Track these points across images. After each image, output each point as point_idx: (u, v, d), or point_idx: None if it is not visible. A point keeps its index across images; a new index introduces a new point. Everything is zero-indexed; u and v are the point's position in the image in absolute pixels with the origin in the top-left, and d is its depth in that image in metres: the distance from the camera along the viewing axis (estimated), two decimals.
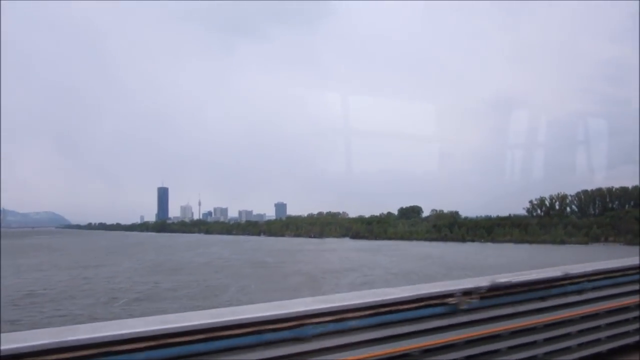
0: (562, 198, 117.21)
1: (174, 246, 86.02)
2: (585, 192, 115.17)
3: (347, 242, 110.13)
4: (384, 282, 38.16)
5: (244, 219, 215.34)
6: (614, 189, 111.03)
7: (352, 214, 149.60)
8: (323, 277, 41.87)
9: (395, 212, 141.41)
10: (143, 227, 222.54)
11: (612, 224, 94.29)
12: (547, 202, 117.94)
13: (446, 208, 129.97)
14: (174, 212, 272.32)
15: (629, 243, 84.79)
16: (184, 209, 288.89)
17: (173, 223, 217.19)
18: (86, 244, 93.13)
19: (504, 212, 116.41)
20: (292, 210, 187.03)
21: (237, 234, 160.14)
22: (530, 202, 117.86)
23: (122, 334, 3.36)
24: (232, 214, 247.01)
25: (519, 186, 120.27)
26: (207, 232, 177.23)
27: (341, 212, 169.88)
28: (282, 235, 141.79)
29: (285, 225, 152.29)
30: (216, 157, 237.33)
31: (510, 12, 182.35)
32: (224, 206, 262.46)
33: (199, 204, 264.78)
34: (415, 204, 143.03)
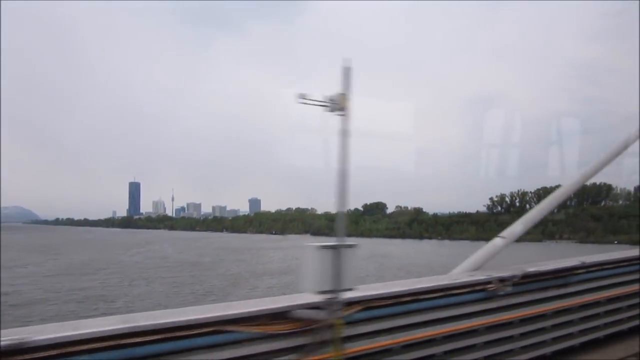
0: (522, 195, 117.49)
1: (118, 243, 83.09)
2: (544, 189, 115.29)
3: (305, 239, 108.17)
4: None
5: (217, 215, 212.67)
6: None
7: (324, 210, 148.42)
8: (247, 280, 40.08)
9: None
10: (109, 222, 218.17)
11: (567, 222, 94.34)
12: (507, 199, 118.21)
13: (422, 205, 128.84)
14: (146, 207, 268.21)
15: (582, 241, 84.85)
16: (156, 204, 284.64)
17: (139, 219, 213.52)
18: (21, 241, 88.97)
19: (478, 209, 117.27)
20: (267, 206, 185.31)
21: (200, 230, 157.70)
22: (491, 199, 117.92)
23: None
24: (206, 209, 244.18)
25: (495, 183, 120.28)
26: (172, 228, 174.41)
27: (310, 208, 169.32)
28: (245, 232, 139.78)
29: (249, 222, 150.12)
30: (191, 152, 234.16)
31: (488, 12, 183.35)
32: (197, 201, 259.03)
33: (172, 199, 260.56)
34: (380, 201, 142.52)
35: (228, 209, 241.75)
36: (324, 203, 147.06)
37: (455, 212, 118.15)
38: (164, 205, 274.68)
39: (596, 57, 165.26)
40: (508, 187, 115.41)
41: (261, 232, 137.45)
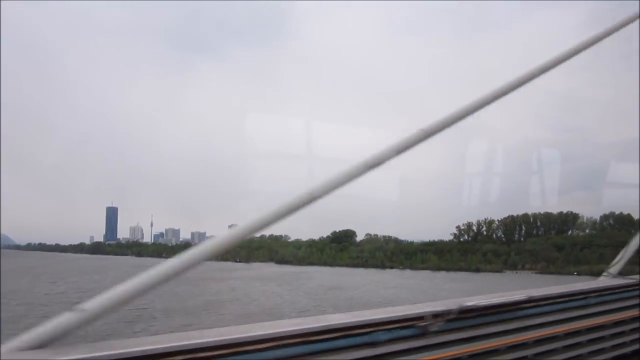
0: (489, 223, 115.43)
1: (60, 272, 78.94)
2: (511, 217, 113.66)
3: (266, 268, 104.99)
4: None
5: (196, 241, 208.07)
6: (539, 215, 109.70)
7: (297, 237, 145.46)
8: (152, 318, 36.81)
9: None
10: (77, 248, 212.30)
11: (530, 251, 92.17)
12: (474, 227, 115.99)
13: (394, 233, 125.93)
14: (123, 232, 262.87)
15: (542, 271, 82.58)
16: (134, 229, 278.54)
17: (108, 245, 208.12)
18: None
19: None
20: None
21: (167, 256, 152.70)
22: (458, 227, 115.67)
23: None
24: (186, 235, 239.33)
25: (476, 210, 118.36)
26: (140, 254, 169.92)
27: (283, 235, 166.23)
28: (209, 260, 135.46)
29: None
30: (170, 177, 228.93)
31: (465, 42, 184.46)
32: (177, 227, 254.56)
33: (151, 224, 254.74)
34: (349, 228, 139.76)
35: (208, 234, 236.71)
36: (298, 230, 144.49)
37: (427, 239, 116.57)
38: (141, 230, 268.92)
39: (572, 87, 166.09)
40: (484, 214, 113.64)
41: (226, 259, 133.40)
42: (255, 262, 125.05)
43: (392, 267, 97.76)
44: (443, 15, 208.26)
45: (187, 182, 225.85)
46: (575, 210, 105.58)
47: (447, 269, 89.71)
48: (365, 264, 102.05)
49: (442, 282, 67.45)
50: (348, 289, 60.42)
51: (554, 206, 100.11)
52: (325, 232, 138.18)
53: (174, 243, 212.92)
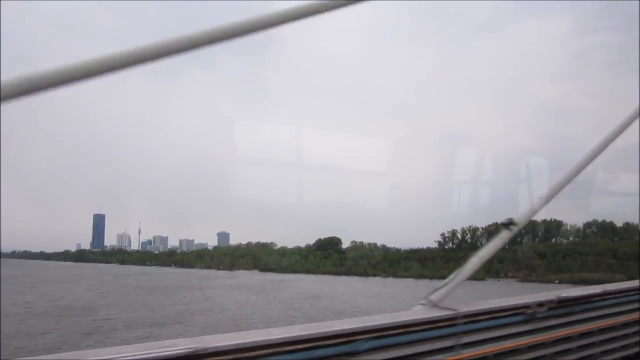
0: (473, 231, 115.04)
1: (36, 280, 77.05)
2: (495, 224, 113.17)
3: (248, 276, 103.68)
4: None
5: (184, 248, 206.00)
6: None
7: (284, 244, 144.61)
8: (113, 330, 35.52)
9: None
10: (61, 256, 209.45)
11: (513, 259, 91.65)
12: (458, 235, 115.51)
13: (381, 240, 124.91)
14: (111, 240, 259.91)
15: (524, 279, 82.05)
16: (121, 237, 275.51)
17: (92, 252, 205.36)
18: None
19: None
20: (236, 240, 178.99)
21: (150, 264, 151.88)
22: (442, 234, 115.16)
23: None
24: (174, 242, 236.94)
25: (466, 217, 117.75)
26: (123, 262, 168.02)
27: (269, 242, 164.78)
28: (193, 267, 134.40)
29: (200, 257, 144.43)
30: (159, 184, 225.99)
31: (458, 49, 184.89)
32: (165, 235, 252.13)
33: (139, 232, 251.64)
34: (334, 235, 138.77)
35: (196, 242, 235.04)
36: (286, 237, 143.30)
37: (415, 247, 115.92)
38: (129, 238, 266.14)
39: (560, 95, 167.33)
40: (473, 221, 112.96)
41: (210, 267, 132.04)
42: (239, 270, 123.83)
43: (375, 275, 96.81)
44: (432, 23, 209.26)
45: (176, 189, 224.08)
46: (563, 218, 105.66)
47: (430, 277, 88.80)
48: (348, 272, 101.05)
49: (423, 291, 66.31)
50: (325, 298, 59.42)
51: (543, 214, 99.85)
52: (314, 240, 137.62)
53: (161, 250, 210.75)
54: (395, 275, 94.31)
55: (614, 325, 6.42)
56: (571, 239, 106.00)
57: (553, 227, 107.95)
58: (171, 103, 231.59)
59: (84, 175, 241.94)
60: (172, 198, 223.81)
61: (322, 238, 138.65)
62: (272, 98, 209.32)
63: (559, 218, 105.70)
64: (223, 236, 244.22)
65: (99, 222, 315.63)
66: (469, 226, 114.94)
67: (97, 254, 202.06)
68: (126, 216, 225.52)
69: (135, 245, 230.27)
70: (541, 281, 77.86)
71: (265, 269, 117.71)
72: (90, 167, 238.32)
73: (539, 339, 5.52)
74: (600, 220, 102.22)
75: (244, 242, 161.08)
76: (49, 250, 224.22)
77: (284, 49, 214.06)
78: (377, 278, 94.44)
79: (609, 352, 6.39)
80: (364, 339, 4.17)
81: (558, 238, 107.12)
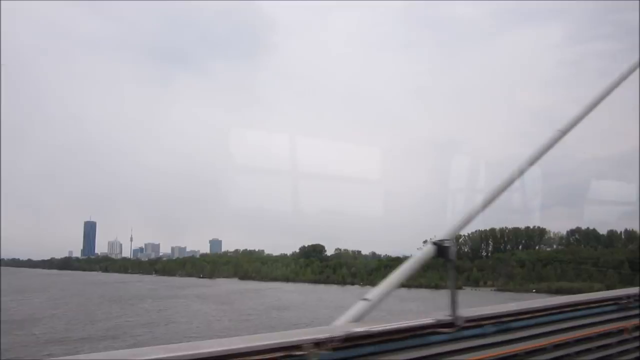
0: (456, 238, 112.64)
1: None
2: (479, 231, 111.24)
3: (224, 285, 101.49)
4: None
5: (176, 256, 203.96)
6: (506, 230, 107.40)
7: (281, 252, 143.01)
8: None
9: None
10: (47, 264, 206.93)
11: (493, 267, 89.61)
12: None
13: (381, 249, 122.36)
14: (102, 247, 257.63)
15: (501, 288, 79.94)
16: (112, 244, 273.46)
17: (77, 260, 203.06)
18: None
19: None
20: (228, 247, 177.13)
21: (133, 272, 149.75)
22: (425, 242, 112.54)
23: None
24: (166, 249, 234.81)
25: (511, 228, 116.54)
26: (106, 270, 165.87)
27: (257, 249, 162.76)
28: (174, 275, 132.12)
29: (182, 264, 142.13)
30: (151, 191, 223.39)
31: (449, 57, 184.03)
32: (156, 242, 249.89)
33: (131, 239, 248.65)
34: (325, 243, 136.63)
35: (188, 249, 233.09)
36: (279, 245, 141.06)
37: (408, 255, 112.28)
38: (120, 245, 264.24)
39: (552, 103, 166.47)
40: (466, 229, 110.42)
41: (191, 275, 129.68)
42: (219, 278, 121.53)
43: (353, 284, 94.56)
44: (424, 31, 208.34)
45: (168, 196, 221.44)
46: (549, 226, 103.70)
47: (408, 286, 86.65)
48: (326, 281, 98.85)
49: (393, 301, 64.23)
50: (290, 309, 57.47)
51: (535, 221, 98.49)
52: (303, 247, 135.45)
53: (153, 257, 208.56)
54: (373, 284, 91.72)
55: (590, 336, 5.98)
56: (555, 246, 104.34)
57: (536, 234, 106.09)
58: (163, 109, 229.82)
59: (76, 182, 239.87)
60: (164, 205, 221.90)
61: (306, 245, 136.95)
62: (264, 104, 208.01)
63: (548, 226, 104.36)
64: (215, 243, 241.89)
65: (89, 230, 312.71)
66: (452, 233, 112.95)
67: (83, 261, 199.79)
68: (118, 223, 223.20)
69: (126, 253, 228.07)
70: (518, 290, 75.78)
71: (244, 277, 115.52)
72: (82, 174, 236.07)
73: (513, 350, 5.21)
74: (584, 227, 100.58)
75: (237, 249, 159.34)
76: (37, 258, 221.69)
77: (276, 56, 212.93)
78: (355, 287, 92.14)
79: None
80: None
81: (541, 245, 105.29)
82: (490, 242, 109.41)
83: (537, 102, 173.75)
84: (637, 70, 7.25)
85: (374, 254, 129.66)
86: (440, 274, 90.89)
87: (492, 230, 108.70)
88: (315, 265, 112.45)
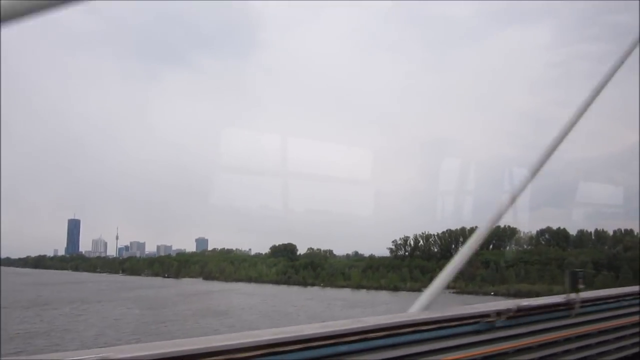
0: (427, 238, 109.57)
1: None
2: (449, 231, 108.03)
3: (185, 285, 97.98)
4: None
5: (162, 254, 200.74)
6: (476, 229, 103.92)
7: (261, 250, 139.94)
8: None
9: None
10: (20, 262, 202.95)
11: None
12: (411, 242, 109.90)
13: (372, 249, 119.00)
14: (87, 246, 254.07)
15: (459, 291, 76.45)
16: (96, 242, 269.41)
17: (50, 259, 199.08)
18: None
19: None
20: (215, 246, 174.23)
21: (101, 272, 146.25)
22: (394, 241, 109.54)
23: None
24: (152, 248, 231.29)
25: (448, 225, 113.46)
26: (76, 269, 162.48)
27: (235, 249, 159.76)
28: (139, 275, 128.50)
29: (150, 264, 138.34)
30: (137, 189, 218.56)
31: (439, 58, 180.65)
32: (142, 240, 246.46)
33: (117, 237, 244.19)
34: (290, 242, 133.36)
35: (174, 248, 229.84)
36: (263, 244, 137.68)
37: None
38: (104, 244, 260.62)
39: (540, 104, 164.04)
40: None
41: (157, 274, 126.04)
42: (186, 277, 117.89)
43: (313, 285, 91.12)
44: (413, 30, 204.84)
45: (154, 194, 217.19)
46: (537, 227, 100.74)
47: (369, 287, 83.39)
48: (288, 281, 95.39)
49: (337, 308, 60.87)
50: (224, 315, 53.79)
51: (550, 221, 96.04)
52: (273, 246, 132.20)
53: (138, 256, 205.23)
54: (333, 285, 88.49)
55: (562, 338, 6.27)
56: (526, 246, 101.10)
57: (507, 234, 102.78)
58: (149, 106, 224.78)
59: (60, 179, 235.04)
60: (151, 203, 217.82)
61: (277, 244, 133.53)
62: (253, 101, 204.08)
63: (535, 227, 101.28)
64: (201, 242, 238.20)
65: (73, 228, 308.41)
66: (422, 232, 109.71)
67: (57, 260, 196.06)
68: (103, 222, 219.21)
69: (112, 251, 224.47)
70: (477, 293, 72.40)
71: (208, 277, 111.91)
72: (66, 171, 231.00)
73: (495, 349, 5.48)
74: (555, 227, 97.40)
75: (214, 248, 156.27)
76: (18, 256, 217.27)
77: (265, 54, 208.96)
78: (315, 288, 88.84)
79: None
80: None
81: (512, 245, 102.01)
82: (460, 241, 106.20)
83: (525, 102, 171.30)
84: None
85: (356, 253, 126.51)
86: (399, 275, 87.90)
87: (463, 229, 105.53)
88: (281, 265, 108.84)
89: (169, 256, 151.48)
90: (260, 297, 73.89)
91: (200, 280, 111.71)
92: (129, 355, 3.26)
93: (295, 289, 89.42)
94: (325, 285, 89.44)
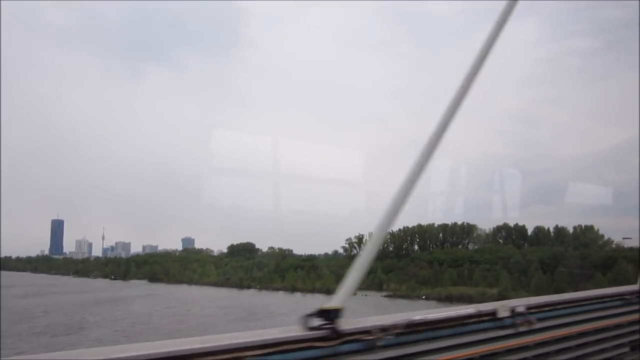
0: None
1: None
2: (406, 228, 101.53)
3: (125, 288, 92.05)
4: None
5: (148, 254, 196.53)
6: (432, 226, 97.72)
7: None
8: None
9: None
10: None
11: (401, 268, 79.84)
12: (365, 240, 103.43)
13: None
14: (71, 246, 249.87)
15: (390, 294, 70.12)
16: (79, 243, 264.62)
17: (15, 260, 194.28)
18: None
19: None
20: (201, 246, 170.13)
21: (56, 273, 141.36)
22: (348, 240, 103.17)
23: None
24: (137, 248, 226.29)
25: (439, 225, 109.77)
26: (35, 270, 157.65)
27: (205, 248, 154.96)
28: (88, 277, 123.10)
29: (104, 265, 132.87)
30: (122, 188, 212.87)
31: (427, 55, 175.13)
32: (127, 241, 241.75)
33: (102, 238, 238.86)
34: (249, 241, 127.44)
35: (160, 248, 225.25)
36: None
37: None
38: (88, 244, 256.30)
39: (529, 101, 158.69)
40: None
41: (106, 276, 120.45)
42: (134, 279, 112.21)
43: (249, 287, 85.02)
44: (402, 27, 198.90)
45: (139, 194, 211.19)
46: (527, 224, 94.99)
47: (303, 290, 77.21)
48: (226, 283, 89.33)
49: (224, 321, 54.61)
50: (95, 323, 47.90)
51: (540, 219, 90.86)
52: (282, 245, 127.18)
53: (124, 256, 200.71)
54: (268, 287, 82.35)
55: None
56: (486, 244, 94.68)
57: (465, 231, 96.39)
58: (133, 105, 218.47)
59: (42, 179, 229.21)
60: (136, 203, 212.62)
61: (235, 244, 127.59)
62: (238, 99, 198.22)
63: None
64: (187, 242, 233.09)
65: (57, 228, 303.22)
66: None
67: (23, 261, 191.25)
68: (88, 222, 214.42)
69: (97, 252, 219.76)
70: (409, 297, 66.06)
71: (153, 278, 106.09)
72: (49, 170, 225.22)
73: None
74: (512, 224, 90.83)
75: (212, 248, 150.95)
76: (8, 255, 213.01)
77: (252, 51, 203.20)
78: (251, 290, 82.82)
79: None
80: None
81: (470, 243, 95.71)
82: (416, 239, 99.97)
83: (513, 100, 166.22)
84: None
85: (336, 252, 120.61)
86: (337, 276, 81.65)
87: (419, 226, 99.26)
88: (229, 266, 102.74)
89: (118, 258, 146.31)
90: (174, 302, 67.97)
91: (145, 282, 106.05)
92: (129, 354, 3.13)
93: (234, 291, 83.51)
94: (260, 288, 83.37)
